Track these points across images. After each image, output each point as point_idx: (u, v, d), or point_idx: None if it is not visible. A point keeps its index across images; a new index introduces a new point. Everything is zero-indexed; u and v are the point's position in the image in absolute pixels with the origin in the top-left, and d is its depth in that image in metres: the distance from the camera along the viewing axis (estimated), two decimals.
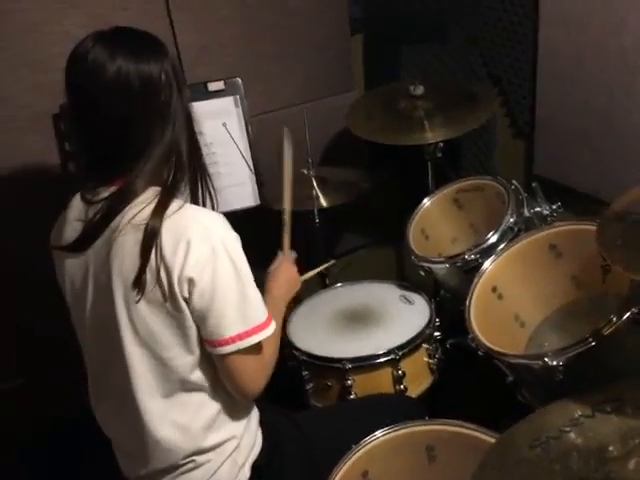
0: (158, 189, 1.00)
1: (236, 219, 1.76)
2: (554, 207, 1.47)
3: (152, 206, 0.97)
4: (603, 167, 1.65)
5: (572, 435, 0.86)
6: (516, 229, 1.42)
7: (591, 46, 1.57)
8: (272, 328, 1.06)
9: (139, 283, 0.95)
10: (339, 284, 1.76)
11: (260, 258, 2.14)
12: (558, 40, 1.67)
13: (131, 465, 1.14)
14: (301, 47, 2.05)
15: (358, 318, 1.58)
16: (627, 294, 1.01)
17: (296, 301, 1.67)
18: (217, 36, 1.88)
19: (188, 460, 1.07)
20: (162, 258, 0.94)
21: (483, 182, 1.59)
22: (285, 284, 1.31)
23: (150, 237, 0.94)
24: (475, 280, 1.33)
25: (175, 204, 0.99)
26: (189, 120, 1.06)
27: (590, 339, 1.05)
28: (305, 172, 1.86)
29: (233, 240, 1.01)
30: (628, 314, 1.01)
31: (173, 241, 0.95)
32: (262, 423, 1.20)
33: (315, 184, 1.84)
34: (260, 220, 1.87)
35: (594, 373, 1.08)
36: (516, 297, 1.38)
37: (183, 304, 0.97)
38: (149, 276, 0.95)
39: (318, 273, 1.60)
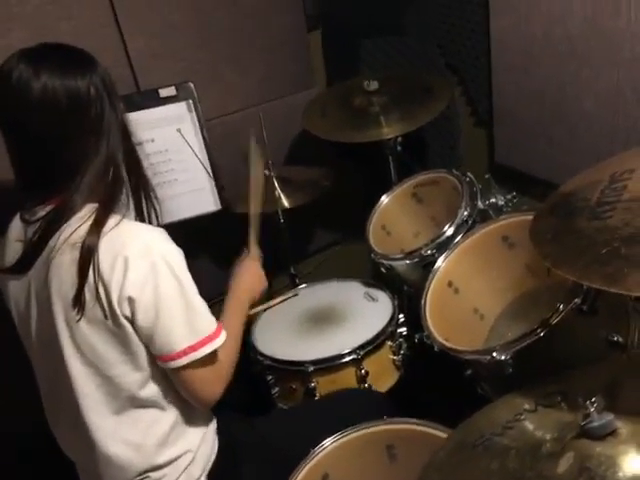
0: (95, 205, 0.99)
1: (199, 225, 1.79)
2: (509, 197, 1.47)
3: (89, 223, 0.96)
4: (557, 154, 1.65)
5: (513, 432, 0.86)
6: (471, 221, 1.42)
7: (539, 35, 1.56)
8: (222, 338, 1.05)
9: (78, 302, 0.94)
10: (303, 285, 1.76)
11: (226, 262, 2.15)
12: (508, 29, 1.67)
13: None
14: (257, 48, 2.03)
15: (322, 319, 1.58)
16: (570, 285, 1.01)
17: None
18: (168, 41, 1.86)
19: (142, 477, 1.07)
20: (100, 276, 0.93)
21: (438, 176, 1.59)
22: (249, 283, 1.32)
23: (87, 256, 0.93)
24: (430, 277, 1.33)
25: (113, 220, 0.98)
26: (125, 133, 1.05)
27: (539, 330, 1.05)
28: (267, 173, 1.85)
29: (174, 253, 1.00)
30: (573, 302, 1.01)
31: (110, 259, 0.94)
32: (219, 431, 1.20)
33: (277, 185, 1.83)
34: (224, 224, 1.87)
35: (545, 365, 1.08)
36: (473, 290, 1.38)
37: (125, 322, 0.96)
38: (88, 295, 0.94)
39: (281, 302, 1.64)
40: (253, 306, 1.53)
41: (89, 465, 1.09)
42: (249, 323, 1.58)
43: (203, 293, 1.49)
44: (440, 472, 0.86)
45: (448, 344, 1.17)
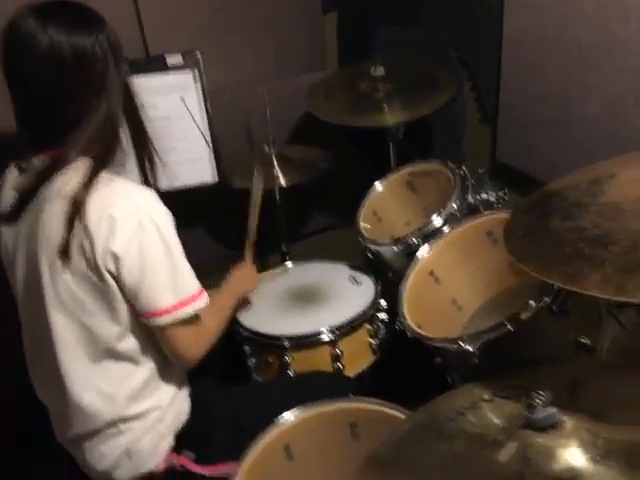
0: (90, 160, 1.01)
1: (195, 195, 1.81)
2: (500, 194, 1.48)
3: (81, 177, 0.98)
4: (556, 156, 1.65)
5: (466, 418, 0.88)
6: (459, 214, 1.43)
7: (550, 35, 1.56)
8: (204, 300, 1.08)
9: (64, 253, 0.97)
10: (290, 263, 1.77)
11: (220, 235, 2.17)
12: (521, 27, 1.66)
13: (59, 428, 1.17)
14: (270, 24, 2.03)
15: (305, 297, 1.60)
16: (541, 284, 1.02)
17: None
18: (182, 9, 1.86)
19: (111, 426, 1.10)
20: (87, 230, 0.96)
21: (432, 166, 1.60)
22: (243, 280, 1.43)
23: (75, 208, 0.95)
24: (412, 264, 1.35)
25: (105, 177, 1.00)
26: (128, 93, 1.06)
27: (507, 324, 1.07)
28: (266, 149, 1.86)
29: (162, 214, 1.02)
30: (543, 301, 1.03)
31: (98, 214, 0.96)
32: (193, 395, 1.23)
33: (275, 163, 1.84)
34: (219, 197, 1.89)
35: (512, 361, 1.10)
36: (454, 282, 1.39)
37: (108, 276, 0.99)
38: (74, 247, 0.97)
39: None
40: None
41: (61, 411, 1.12)
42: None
43: (196, 264, 1.54)
44: (393, 449, 0.88)
45: (419, 330, 1.18)
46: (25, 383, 1.18)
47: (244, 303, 1.47)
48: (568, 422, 0.76)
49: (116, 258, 0.97)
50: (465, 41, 1.99)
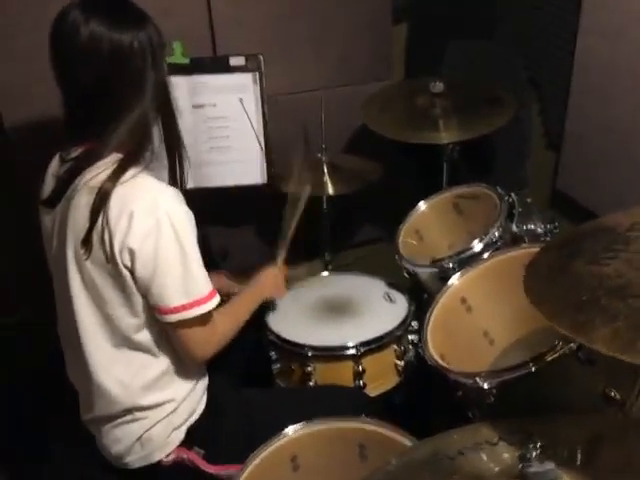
0: (120, 156, 1.05)
1: (241, 194, 1.85)
2: (549, 226, 1.40)
3: (109, 171, 1.02)
4: (620, 192, 1.55)
5: (464, 459, 0.85)
6: (501, 243, 1.37)
7: (623, 63, 1.47)
8: (213, 303, 1.10)
9: (86, 243, 1.01)
10: (326, 273, 1.77)
11: (260, 233, 2.19)
12: (593, 52, 1.58)
13: (83, 409, 1.22)
14: (338, 31, 2.03)
15: (337, 309, 1.59)
16: None
17: None
18: (251, 11, 1.90)
19: (127, 413, 1.14)
20: (107, 223, 0.99)
21: (481, 190, 1.54)
22: (271, 285, 1.43)
23: (100, 201, 0.99)
24: (443, 289, 1.30)
25: (131, 172, 1.03)
26: (165, 94, 1.09)
27: (530, 364, 1.02)
28: (318, 156, 1.87)
29: (181, 214, 1.04)
30: (568, 346, 0.97)
31: (119, 208, 1.00)
32: (210, 393, 1.25)
33: (326, 170, 1.84)
34: (265, 198, 1.91)
35: (530, 404, 1.05)
36: (487, 312, 1.34)
37: (124, 270, 1.02)
38: (95, 238, 1.01)
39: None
40: None
41: (85, 393, 1.18)
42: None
43: (239, 262, 1.57)
44: (386, 478, 0.86)
45: (438, 359, 1.14)
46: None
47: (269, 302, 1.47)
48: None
49: (132, 253, 1.00)
50: (537, 62, 1.91)
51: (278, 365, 1.52)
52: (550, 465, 0.70)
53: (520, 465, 0.71)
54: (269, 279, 1.42)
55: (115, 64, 1.00)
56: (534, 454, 0.70)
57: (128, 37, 1.00)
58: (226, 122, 1.78)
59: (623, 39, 1.45)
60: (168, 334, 1.11)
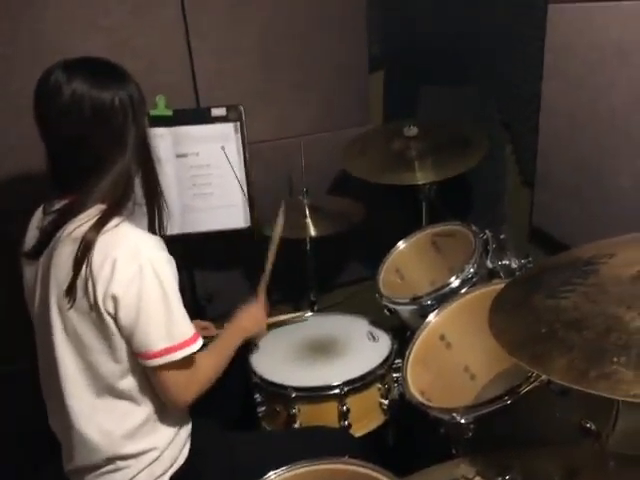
0: (103, 207, 1.08)
1: (225, 239, 1.89)
2: (523, 261, 1.45)
3: (92, 222, 1.05)
4: (590, 226, 1.60)
5: None
6: (475, 279, 1.41)
7: (585, 104, 1.54)
8: (197, 345, 1.11)
9: (70, 292, 1.03)
10: (309, 312, 1.79)
11: (246, 277, 2.22)
12: (557, 95, 1.65)
13: (65, 459, 1.21)
14: (317, 81, 2.13)
15: (320, 349, 1.61)
16: None
17: None
18: (233, 64, 1.99)
19: (109, 462, 1.14)
20: (91, 272, 1.02)
21: (456, 228, 1.59)
22: (252, 321, 1.47)
23: (83, 251, 1.02)
24: (421, 327, 1.33)
25: (114, 222, 1.06)
26: (145, 147, 1.14)
27: (505, 397, 1.03)
28: (300, 199, 1.92)
29: (163, 261, 1.07)
30: (541, 379, 0.99)
31: (102, 256, 1.02)
32: (192, 438, 1.25)
33: (307, 212, 1.89)
34: (249, 242, 1.95)
35: (509, 437, 1.06)
36: (466, 348, 1.36)
37: (107, 317, 1.04)
38: (79, 287, 1.03)
39: (291, 319, 1.73)
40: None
41: (67, 443, 1.17)
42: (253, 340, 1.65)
43: (221, 306, 1.60)
44: None
45: (418, 396, 1.16)
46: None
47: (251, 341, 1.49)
48: None
49: (115, 299, 1.02)
50: (507, 104, 1.99)
51: (263, 408, 1.52)
52: None
53: None
54: (250, 316, 1.44)
55: (97, 121, 1.05)
56: None
57: (109, 95, 1.05)
58: (209, 170, 1.84)
59: (584, 85, 1.52)
60: (150, 379, 1.12)
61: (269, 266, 1.58)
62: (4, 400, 1.85)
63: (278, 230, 1.61)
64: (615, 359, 0.63)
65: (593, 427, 1.03)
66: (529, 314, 0.79)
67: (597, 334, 0.68)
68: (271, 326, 1.66)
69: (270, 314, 1.60)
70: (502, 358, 1.35)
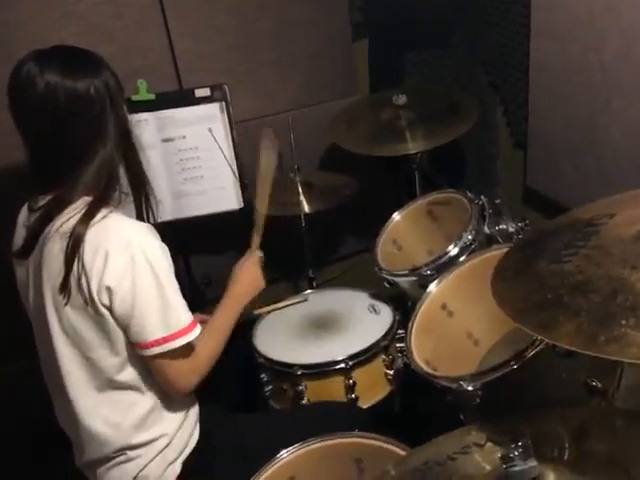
0: (89, 199, 1.06)
1: (220, 221, 1.87)
2: (520, 225, 1.44)
3: (80, 215, 1.03)
4: (585, 183, 1.59)
5: (454, 463, 0.86)
6: (475, 245, 1.40)
7: (575, 60, 1.52)
8: (195, 332, 1.10)
9: (64, 289, 1.02)
10: (310, 290, 1.79)
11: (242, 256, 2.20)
12: (546, 52, 1.62)
13: (76, 453, 1.22)
14: (299, 54, 2.08)
15: (323, 325, 1.61)
16: None
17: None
18: (212, 43, 1.94)
19: (120, 453, 1.14)
20: (83, 266, 1.00)
21: (451, 196, 1.58)
22: (246, 283, 1.36)
23: (73, 246, 1.00)
24: (422, 298, 1.33)
25: (101, 213, 1.04)
26: (126, 135, 1.10)
27: (512, 362, 1.04)
28: (291, 176, 1.90)
29: (155, 249, 1.05)
30: (546, 341, 0.99)
31: (92, 250, 1.01)
32: (201, 422, 1.25)
33: (300, 189, 1.87)
34: (245, 223, 1.93)
35: (517, 401, 1.07)
36: (468, 315, 1.36)
37: (103, 310, 1.03)
38: (73, 283, 1.01)
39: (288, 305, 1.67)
40: (260, 307, 1.59)
41: (76, 438, 1.18)
42: (252, 321, 1.65)
43: (219, 289, 1.57)
44: None
45: (423, 366, 1.16)
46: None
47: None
48: (550, 476, 0.73)
49: (109, 291, 1.01)
50: (495, 65, 1.96)
51: (270, 387, 1.53)
52: (533, 462, 0.72)
53: (504, 466, 0.73)
54: (244, 275, 1.35)
55: (73, 112, 1.01)
56: (516, 453, 0.72)
57: (84, 85, 1.01)
58: (197, 153, 1.80)
59: (571, 39, 1.50)
60: (149, 369, 1.11)
61: (260, 212, 1.44)
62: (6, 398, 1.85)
63: (265, 163, 1.43)
64: (623, 322, 0.62)
65: (599, 385, 1.04)
66: (533, 280, 0.79)
67: (603, 297, 0.68)
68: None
69: (268, 303, 1.56)
70: (505, 322, 1.35)
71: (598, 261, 0.75)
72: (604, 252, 0.76)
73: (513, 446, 0.73)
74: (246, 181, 1.83)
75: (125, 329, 1.06)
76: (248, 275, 1.37)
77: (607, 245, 0.77)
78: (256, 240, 1.45)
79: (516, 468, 0.71)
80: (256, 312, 1.58)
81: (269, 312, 1.64)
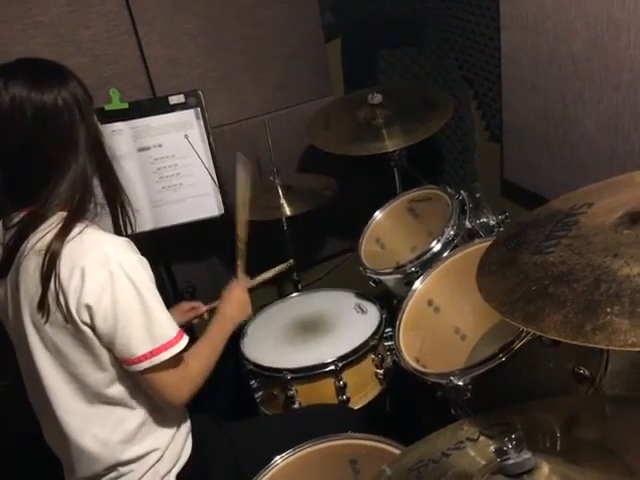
0: (64, 214, 1.03)
1: (201, 227, 1.85)
2: (501, 217, 1.45)
3: (55, 231, 1.00)
4: (561, 173, 1.61)
5: (449, 460, 0.86)
6: (457, 240, 1.41)
7: (545, 52, 1.53)
8: (182, 344, 1.08)
9: (42, 307, 0.99)
10: (295, 293, 1.78)
11: (225, 264, 2.19)
12: (517, 45, 1.64)
13: (66, 472, 1.20)
14: (272, 57, 2.07)
15: (310, 328, 1.61)
16: None
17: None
18: (184, 49, 1.92)
19: (111, 470, 1.12)
20: (60, 284, 0.98)
21: (431, 192, 1.59)
22: (236, 306, 1.38)
23: (49, 263, 0.97)
24: (408, 295, 1.33)
25: (77, 228, 1.01)
26: (98, 146, 1.08)
27: (500, 355, 1.04)
28: (271, 180, 1.89)
29: (134, 263, 1.03)
30: (533, 332, 1.00)
31: (69, 267, 0.98)
32: (194, 434, 1.24)
33: (280, 192, 1.86)
34: (226, 228, 1.92)
35: (507, 393, 1.07)
36: (454, 310, 1.37)
37: (84, 327, 1.01)
38: (50, 300, 0.99)
39: (276, 274, 1.61)
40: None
41: (65, 456, 1.15)
42: (241, 326, 1.64)
43: (204, 297, 1.55)
44: None
45: (413, 364, 1.17)
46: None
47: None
48: (545, 467, 0.73)
49: (89, 309, 0.99)
50: (468, 60, 1.97)
51: (260, 393, 1.52)
52: (527, 454, 0.72)
53: (498, 459, 0.73)
54: (233, 300, 1.37)
55: (41, 126, 0.99)
56: (510, 446, 0.72)
57: (50, 97, 0.99)
58: (174, 160, 1.79)
59: (542, 30, 1.51)
60: (140, 383, 1.09)
61: (242, 239, 1.45)
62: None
63: (242, 190, 1.45)
64: (609, 309, 0.63)
65: (587, 372, 1.05)
66: (517, 273, 0.79)
67: (587, 286, 0.69)
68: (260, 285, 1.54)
69: (253, 276, 1.50)
70: (491, 316, 1.37)
71: (580, 250, 0.75)
72: (585, 241, 0.77)
73: (506, 439, 0.72)
74: (226, 187, 1.82)
75: (109, 346, 1.04)
76: (238, 299, 1.39)
77: (588, 234, 0.78)
78: (241, 266, 1.46)
79: (510, 461, 0.71)
80: (248, 285, 1.47)
81: (260, 282, 1.55)
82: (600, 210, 0.84)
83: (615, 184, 0.92)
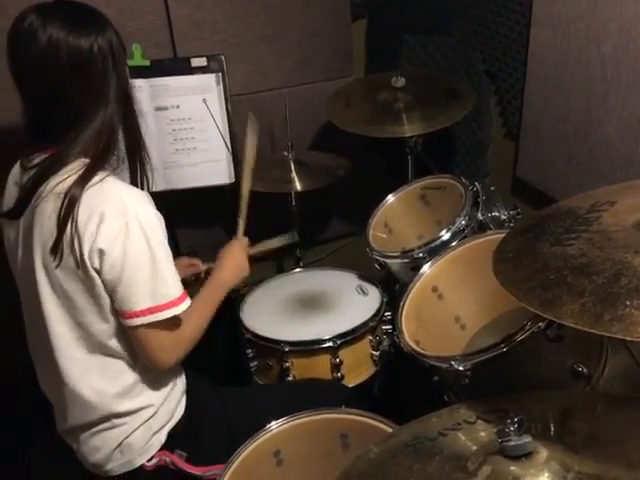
0: (86, 161, 1.03)
1: (207, 194, 1.84)
2: (512, 212, 1.45)
3: (76, 176, 1.00)
4: (575, 175, 1.61)
5: (445, 439, 0.87)
6: (468, 231, 1.41)
7: (574, 52, 1.53)
8: (185, 305, 1.08)
9: (56, 250, 0.99)
10: (298, 269, 1.78)
11: (228, 233, 2.19)
12: (546, 43, 1.63)
13: (58, 419, 1.20)
14: (297, 30, 2.05)
15: (310, 303, 1.61)
16: None
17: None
18: (210, 12, 1.90)
19: (104, 420, 1.13)
20: (76, 228, 0.98)
21: (446, 181, 1.58)
22: (231, 269, 1.34)
23: (68, 207, 0.97)
24: (415, 279, 1.34)
25: (98, 176, 1.01)
26: (127, 98, 1.07)
27: (502, 345, 1.05)
28: (285, 154, 1.88)
29: (150, 217, 1.03)
30: (537, 325, 1.01)
31: (88, 213, 0.98)
32: (188, 394, 1.25)
33: (292, 167, 1.86)
34: (233, 198, 1.91)
35: (505, 383, 1.09)
36: (458, 299, 1.38)
37: (93, 273, 1.01)
38: (65, 244, 0.99)
39: (279, 245, 1.61)
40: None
41: (60, 402, 1.16)
42: (241, 297, 1.64)
43: (204, 260, 1.55)
44: (368, 464, 0.88)
45: (414, 346, 1.17)
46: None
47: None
48: (543, 452, 0.75)
49: (101, 253, 0.98)
50: (492, 54, 1.96)
51: (255, 362, 1.53)
52: (527, 438, 0.73)
53: (499, 440, 0.74)
54: (228, 264, 1.34)
55: (74, 70, 0.98)
56: (512, 429, 0.73)
57: (87, 42, 0.98)
58: (190, 124, 1.77)
59: (573, 30, 1.51)
60: (131, 340, 1.08)
61: (245, 200, 1.46)
62: None
63: (250, 151, 1.46)
64: (628, 302, 0.64)
65: (585, 371, 1.07)
66: (536, 261, 0.80)
67: (607, 279, 0.69)
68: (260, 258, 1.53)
69: (253, 245, 1.48)
70: (493, 309, 1.39)
71: (600, 245, 0.76)
72: (606, 237, 0.77)
73: (509, 421, 0.74)
74: (239, 156, 1.81)
75: (112, 294, 1.03)
76: (233, 261, 1.36)
77: (609, 230, 0.79)
78: (241, 226, 1.45)
79: (511, 442, 0.73)
80: (250, 252, 1.45)
81: (262, 251, 1.53)
82: (622, 209, 0.84)
83: (637, 186, 0.92)
